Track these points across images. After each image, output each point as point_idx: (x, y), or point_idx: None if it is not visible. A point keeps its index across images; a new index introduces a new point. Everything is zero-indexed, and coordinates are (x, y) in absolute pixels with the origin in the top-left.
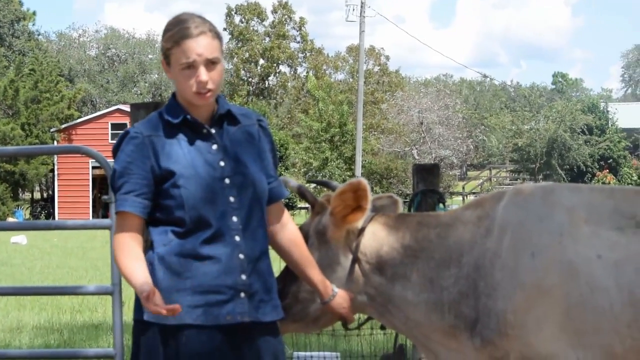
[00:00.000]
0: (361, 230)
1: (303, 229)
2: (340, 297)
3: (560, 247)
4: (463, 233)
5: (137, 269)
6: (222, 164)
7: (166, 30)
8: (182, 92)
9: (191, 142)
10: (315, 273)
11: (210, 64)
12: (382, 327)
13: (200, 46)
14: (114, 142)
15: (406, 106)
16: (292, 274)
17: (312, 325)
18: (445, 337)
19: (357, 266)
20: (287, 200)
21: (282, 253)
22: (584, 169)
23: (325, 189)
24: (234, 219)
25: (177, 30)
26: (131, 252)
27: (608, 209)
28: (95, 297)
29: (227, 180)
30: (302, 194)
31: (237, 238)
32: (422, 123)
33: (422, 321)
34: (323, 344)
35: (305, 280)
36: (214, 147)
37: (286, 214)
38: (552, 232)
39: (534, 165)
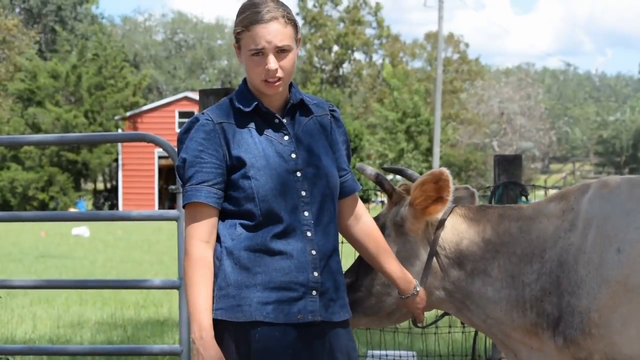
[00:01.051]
0: (441, 223)
1: (379, 219)
2: (420, 297)
3: None
4: (546, 227)
5: (203, 308)
6: (293, 155)
7: (239, 13)
8: (251, 79)
9: (262, 132)
10: (395, 266)
11: (281, 52)
12: (463, 325)
13: (270, 33)
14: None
15: (486, 96)
16: (365, 266)
17: (385, 320)
18: (526, 335)
19: (435, 260)
20: (362, 193)
21: (359, 246)
22: None
23: (401, 178)
24: (306, 213)
25: (249, 14)
26: (202, 282)
27: None
28: (160, 292)
29: (298, 173)
30: (379, 182)
31: (309, 233)
32: (502, 113)
33: (502, 319)
34: (399, 343)
35: (384, 274)
36: (286, 138)
37: (361, 205)
38: (638, 227)
39: (619, 159)
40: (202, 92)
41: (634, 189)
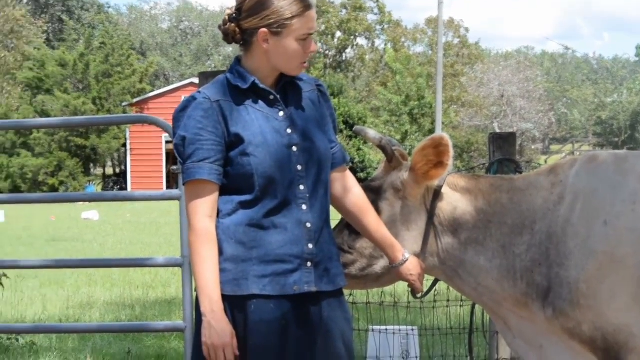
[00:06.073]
0: (438, 190)
1: (376, 181)
2: (410, 264)
3: (633, 215)
4: (535, 199)
5: (212, 282)
6: (289, 131)
7: (273, 1)
8: (286, 61)
9: (259, 109)
10: (385, 236)
11: None
12: (461, 299)
13: (315, 17)
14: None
15: (486, 79)
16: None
17: (371, 283)
18: (516, 305)
19: (431, 227)
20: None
21: (350, 217)
22: None
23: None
24: (301, 187)
25: (292, 0)
26: (209, 256)
27: None
28: (168, 272)
29: (294, 148)
30: (382, 147)
31: (304, 207)
32: (502, 96)
33: (493, 288)
34: (399, 318)
35: (374, 243)
36: (281, 114)
37: (351, 177)
38: (624, 199)
39: (617, 139)
40: (202, 75)
41: (620, 163)
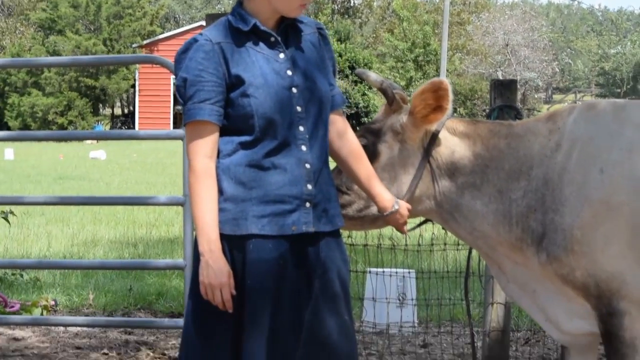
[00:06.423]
0: (436, 133)
1: (375, 124)
2: (399, 214)
3: (629, 164)
4: (533, 145)
5: (210, 222)
6: (289, 72)
7: None
8: (286, 2)
9: (259, 51)
10: (375, 185)
11: None
12: (458, 243)
13: None
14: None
15: (491, 27)
16: None
17: (368, 225)
18: (511, 250)
19: (429, 170)
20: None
21: (341, 163)
22: None
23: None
24: (301, 128)
25: None
26: (208, 197)
27: None
28: (172, 211)
29: (294, 90)
30: (383, 90)
31: (304, 148)
32: (507, 45)
33: (489, 232)
34: (397, 261)
35: (364, 191)
36: (282, 55)
37: (345, 122)
38: (621, 148)
39: (619, 90)
40: (209, 17)
41: (618, 111)
